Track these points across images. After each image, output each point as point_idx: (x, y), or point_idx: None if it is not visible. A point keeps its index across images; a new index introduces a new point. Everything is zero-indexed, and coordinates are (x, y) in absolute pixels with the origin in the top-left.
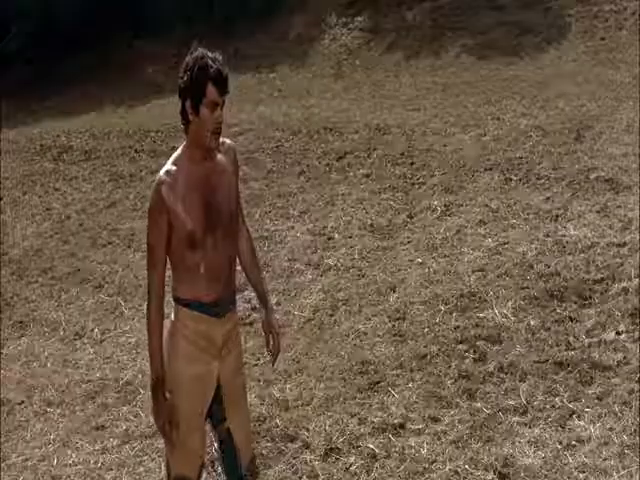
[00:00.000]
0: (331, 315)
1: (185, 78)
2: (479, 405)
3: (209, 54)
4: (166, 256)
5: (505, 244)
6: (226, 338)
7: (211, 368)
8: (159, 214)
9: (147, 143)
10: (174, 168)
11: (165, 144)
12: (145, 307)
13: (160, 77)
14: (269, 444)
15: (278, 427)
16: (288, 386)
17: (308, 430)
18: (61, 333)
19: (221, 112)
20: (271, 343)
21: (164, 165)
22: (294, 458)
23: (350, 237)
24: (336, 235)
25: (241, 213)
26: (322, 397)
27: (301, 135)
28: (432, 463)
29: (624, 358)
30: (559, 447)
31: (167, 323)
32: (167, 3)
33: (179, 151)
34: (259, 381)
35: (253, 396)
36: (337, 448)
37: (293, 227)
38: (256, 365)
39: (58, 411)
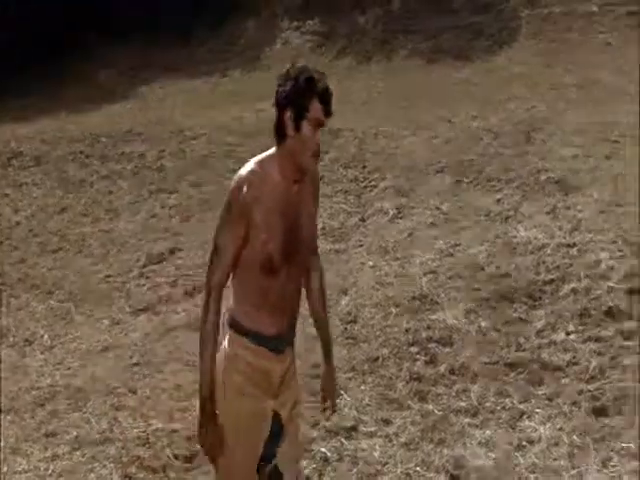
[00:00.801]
0: None
1: (288, 87)
2: (430, 407)
3: (311, 68)
4: (233, 266)
5: (456, 246)
6: (284, 375)
7: (265, 406)
8: (238, 216)
9: (98, 148)
10: (260, 171)
11: (116, 149)
12: (200, 316)
13: (112, 82)
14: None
15: None
16: None
17: None
18: (11, 339)
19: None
20: (327, 400)
21: (247, 163)
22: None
23: None
24: None
25: (315, 244)
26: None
27: (254, 139)
28: (384, 465)
29: (573, 358)
30: (510, 448)
31: (220, 351)
32: (120, 8)
33: (267, 156)
34: None
35: None
36: None
37: None
38: None
39: (8, 418)
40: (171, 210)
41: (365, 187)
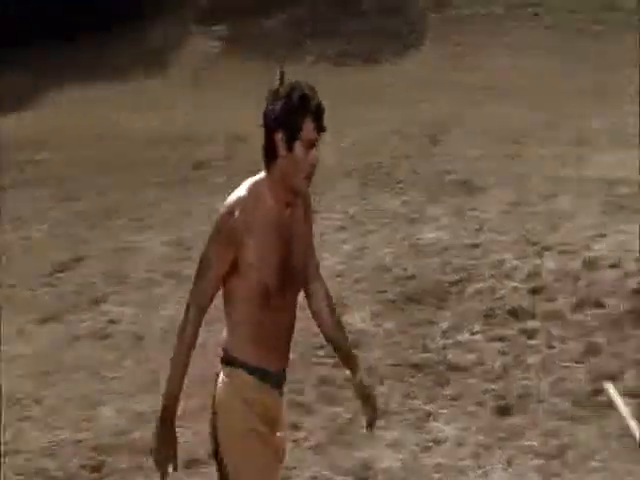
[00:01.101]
0: None
1: (278, 107)
2: (339, 410)
3: (303, 83)
4: (219, 286)
5: (363, 249)
6: (281, 411)
7: (266, 432)
8: (227, 239)
9: (2, 156)
10: (252, 198)
11: (20, 157)
12: (177, 334)
13: (14, 88)
14: (128, 458)
15: (137, 440)
16: (148, 398)
17: None
18: None
19: (316, 152)
20: (368, 409)
21: (237, 190)
22: (154, 471)
23: None
24: (194, 245)
25: (315, 264)
26: (182, 409)
27: (159, 145)
28: (292, 470)
29: (479, 358)
30: (416, 449)
31: (219, 382)
32: (19, 12)
33: (258, 180)
34: (119, 393)
35: (112, 409)
36: (198, 460)
37: (151, 238)
38: (114, 379)
39: None
40: (76, 218)
41: None
